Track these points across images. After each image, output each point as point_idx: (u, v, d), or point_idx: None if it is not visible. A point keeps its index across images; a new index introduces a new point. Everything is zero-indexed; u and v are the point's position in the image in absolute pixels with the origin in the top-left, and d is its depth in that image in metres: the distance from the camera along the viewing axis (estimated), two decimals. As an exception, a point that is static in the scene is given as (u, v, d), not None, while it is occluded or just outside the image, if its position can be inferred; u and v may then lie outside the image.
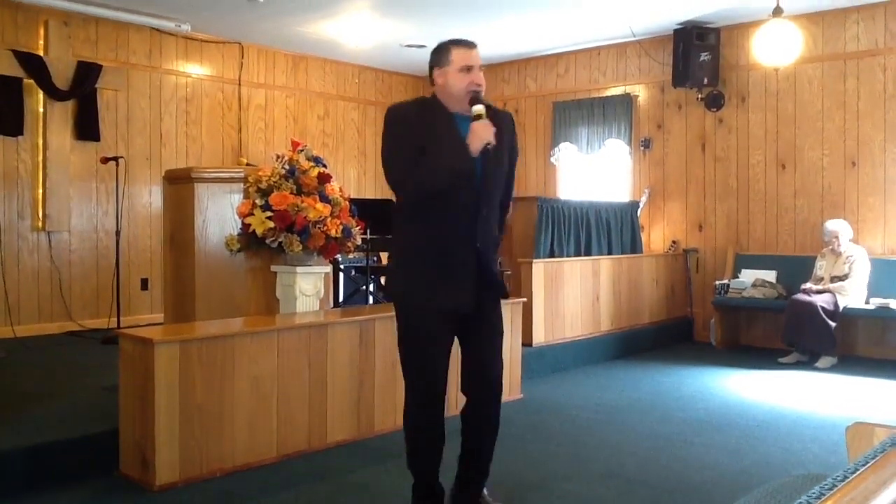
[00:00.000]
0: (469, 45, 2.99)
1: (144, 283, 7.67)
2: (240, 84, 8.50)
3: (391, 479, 3.68)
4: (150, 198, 7.77)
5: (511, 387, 5.21)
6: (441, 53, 3.00)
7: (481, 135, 2.85)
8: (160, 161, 7.77)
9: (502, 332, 3.20)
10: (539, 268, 6.42)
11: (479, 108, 2.90)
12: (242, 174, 4.87)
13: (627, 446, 4.32)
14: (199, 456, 3.63)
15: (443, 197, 2.92)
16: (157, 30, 7.68)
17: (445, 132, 2.93)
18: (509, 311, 5.00)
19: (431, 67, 3.03)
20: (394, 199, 3.13)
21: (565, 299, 6.66)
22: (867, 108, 7.03)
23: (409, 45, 8.50)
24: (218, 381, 3.70)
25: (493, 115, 2.98)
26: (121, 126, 7.59)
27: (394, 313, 3.13)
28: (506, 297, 3.30)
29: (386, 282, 3.09)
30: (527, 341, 6.05)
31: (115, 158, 6.74)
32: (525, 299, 5.77)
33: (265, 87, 8.76)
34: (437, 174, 2.88)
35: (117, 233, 6.81)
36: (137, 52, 7.70)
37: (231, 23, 7.70)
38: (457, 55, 2.95)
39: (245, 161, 8.21)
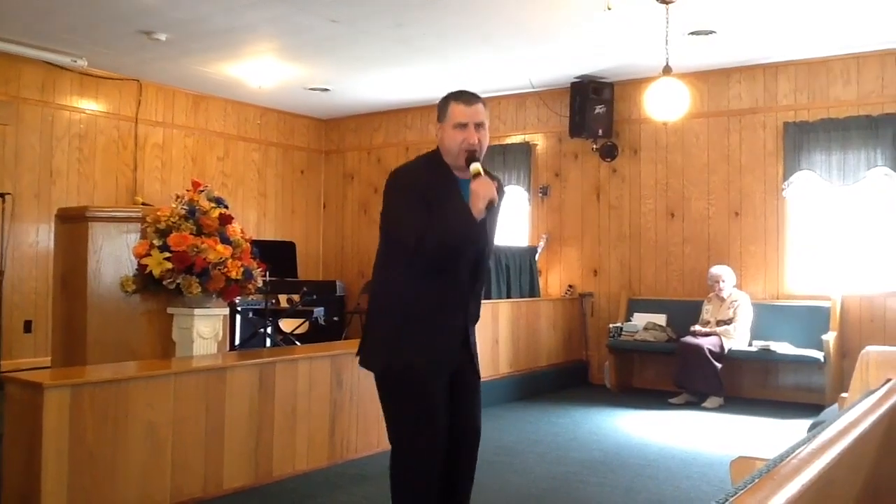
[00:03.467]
0: (469, 100, 2.81)
1: (28, 326, 7.33)
2: (137, 122, 8.33)
3: (290, 525, 3.63)
4: (38, 236, 7.46)
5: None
6: (442, 107, 2.85)
7: (483, 194, 2.68)
8: (49, 199, 7.49)
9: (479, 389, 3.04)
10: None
11: (476, 167, 2.72)
12: (140, 214, 4.77)
13: (525, 487, 4.39)
14: (87, 506, 3.49)
15: (452, 259, 2.78)
16: (52, 64, 7.46)
17: (448, 193, 2.78)
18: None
19: (437, 119, 2.88)
20: (384, 258, 2.91)
21: (465, 342, 6.71)
22: (749, 162, 7.47)
23: (312, 89, 8.54)
24: (111, 428, 3.57)
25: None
26: (8, 162, 7.30)
27: (379, 377, 2.88)
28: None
29: (376, 345, 2.89)
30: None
31: (1, 195, 6.49)
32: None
33: (163, 126, 8.61)
34: (447, 236, 2.71)
35: (0, 272, 6.51)
36: (30, 86, 7.46)
37: (130, 60, 7.56)
38: (453, 110, 2.80)
39: (140, 200, 7.99)
